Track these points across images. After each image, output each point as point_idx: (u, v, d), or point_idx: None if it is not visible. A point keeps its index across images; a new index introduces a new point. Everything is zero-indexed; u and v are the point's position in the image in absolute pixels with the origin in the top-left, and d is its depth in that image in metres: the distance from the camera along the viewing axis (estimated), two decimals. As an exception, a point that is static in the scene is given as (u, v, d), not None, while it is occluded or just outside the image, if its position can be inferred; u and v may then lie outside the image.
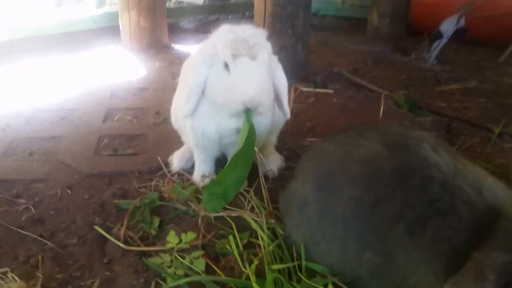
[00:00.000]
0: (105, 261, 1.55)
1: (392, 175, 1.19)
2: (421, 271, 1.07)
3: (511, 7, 4.63)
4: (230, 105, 1.63)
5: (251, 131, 1.63)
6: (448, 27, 4.39)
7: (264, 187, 1.76)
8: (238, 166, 1.66)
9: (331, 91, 3.49)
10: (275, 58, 1.82)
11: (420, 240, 1.08)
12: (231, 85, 1.60)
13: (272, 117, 1.88)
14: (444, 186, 1.11)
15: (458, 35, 4.51)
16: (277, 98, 1.84)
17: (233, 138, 1.79)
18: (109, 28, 5.11)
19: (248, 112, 1.63)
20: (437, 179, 1.12)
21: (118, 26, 4.71)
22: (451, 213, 1.06)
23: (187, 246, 1.60)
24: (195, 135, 1.86)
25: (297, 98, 3.25)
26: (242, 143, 1.63)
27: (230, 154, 1.98)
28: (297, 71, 3.63)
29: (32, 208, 1.83)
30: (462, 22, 4.43)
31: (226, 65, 1.62)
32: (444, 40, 4.47)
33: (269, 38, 1.75)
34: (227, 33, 1.67)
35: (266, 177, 2.03)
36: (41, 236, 1.66)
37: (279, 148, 2.37)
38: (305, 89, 3.47)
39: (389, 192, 1.17)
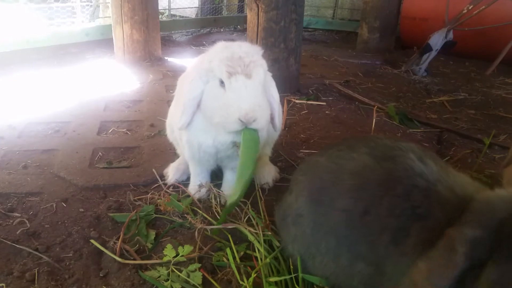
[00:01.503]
0: (101, 274, 1.54)
1: (379, 185, 1.22)
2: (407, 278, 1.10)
3: (495, 22, 4.76)
4: (225, 123, 1.64)
5: (253, 135, 1.65)
6: (437, 40, 4.50)
7: (261, 199, 1.77)
8: (247, 167, 1.66)
9: (323, 103, 3.54)
10: (269, 75, 1.85)
11: (405, 248, 1.11)
12: (226, 102, 1.62)
13: (267, 130, 1.90)
14: (425, 193, 1.15)
15: (447, 47, 4.62)
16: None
17: (229, 151, 1.81)
18: (101, 41, 5.13)
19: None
20: (420, 187, 1.16)
21: (110, 39, 4.73)
22: (430, 217, 1.10)
23: (183, 259, 1.60)
24: (191, 149, 1.87)
25: (290, 110, 3.29)
26: (247, 147, 1.65)
27: (226, 167, 2.01)
28: (290, 84, 3.67)
29: (27, 221, 1.81)
30: (451, 35, 4.55)
31: (222, 82, 1.64)
32: (433, 53, 4.57)
33: (263, 53, 1.78)
34: (223, 50, 1.68)
35: (261, 189, 2.05)
36: (36, 250, 1.64)
37: (274, 159, 2.39)
38: (298, 101, 3.52)
39: (376, 202, 1.20)
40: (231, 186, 1.86)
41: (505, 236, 0.92)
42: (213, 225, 1.75)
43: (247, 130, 1.64)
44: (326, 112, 3.36)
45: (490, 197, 1.03)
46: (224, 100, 1.63)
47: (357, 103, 3.60)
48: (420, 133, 3.02)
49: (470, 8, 4.47)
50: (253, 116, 1.60)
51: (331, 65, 5.11)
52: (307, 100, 3.56)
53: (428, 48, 4.55)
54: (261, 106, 1.66)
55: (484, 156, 2.58)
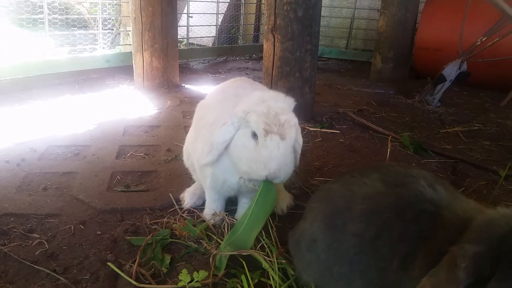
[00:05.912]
0: (117, 298, 1.56)
1: (390, 210, 1.24)
2: None
3: (509, 53, 4.79)
4: (251, 174, 1.70)
5: (272, 190, 1.72)
6: (451, 71, 4.53)
7: (272, 227, 1.79)
8: (257, 220, 1.72)
9: (337, 131, 3.57)
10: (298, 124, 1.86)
11: (413, 272, 1.12)
12: (257, 157, 1.66)
13: None
14: (432, 217, 1.17)
15: (461, 78, 4.64)
16: None
17: (251, 187, 1.85)
18: (121, 68, 5.30)
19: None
20: (428, 212, 1.18)
21: (130, 66, 4.88)
22: (434, 239, 1.12)
23: (198, 284, 1.61)
24: (215, 182, 1.91)
25: (304, 138, 3.30)
26: (262, 200, 1.71)
27: (243, 196, 2.04)
28: (304, 112, 3.72)
29: (45, 242, 1.85)
30: (465, 66, 4.58)
31: (255, 135, 1.69)
32: (447, 84, 4.60)
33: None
34: (259, 103, 1.72)
35: (275, 216, 2.07)
36: (54, 271, 1.67)
37: (288, 187, 2.41)
38: (312, 129, 3.56)
39: (387, 227, 1.22)
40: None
41: (506, 251, 0.93)
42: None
43: (266, 184, 1.70)
44: (340, 140, 3.39)
45: (491, 214, 1.05)
46: (255, 155, 1.67)
47: (371, 132, 3.62)
48: (435, 163, 3.01)
49: (483, 40, 4.51)
50: (278, 176, 1.66)
51: (344, 94, 5.16)
52: (321, 128, 3.60)
53: (442, 79, 4.58)
54: (287, 165, 1.71)
55: (500, 188, 2.56)
